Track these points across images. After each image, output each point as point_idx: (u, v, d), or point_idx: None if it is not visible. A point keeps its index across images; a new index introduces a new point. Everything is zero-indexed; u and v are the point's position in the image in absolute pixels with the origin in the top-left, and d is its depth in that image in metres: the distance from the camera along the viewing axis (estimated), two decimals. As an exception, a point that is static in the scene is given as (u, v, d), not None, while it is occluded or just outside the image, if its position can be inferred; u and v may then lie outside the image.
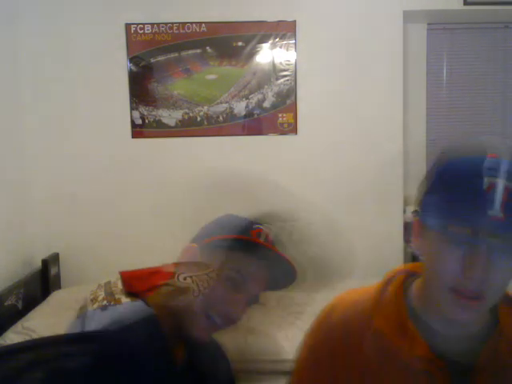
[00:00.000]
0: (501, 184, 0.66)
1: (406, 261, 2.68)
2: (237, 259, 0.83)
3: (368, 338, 0.79)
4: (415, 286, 0.82)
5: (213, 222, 0.91)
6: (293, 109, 2.73)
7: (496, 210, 0.65)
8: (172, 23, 2.66)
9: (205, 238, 0.88)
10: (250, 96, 2.72)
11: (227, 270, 0.83)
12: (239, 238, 0.84)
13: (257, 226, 0.87)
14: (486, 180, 0.66)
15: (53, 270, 2.55)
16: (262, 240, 0.85)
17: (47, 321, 2.03)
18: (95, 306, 2.08)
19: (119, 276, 2.02)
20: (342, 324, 0.84)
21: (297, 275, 0.89)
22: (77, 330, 0.85)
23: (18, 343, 0.79)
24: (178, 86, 2.71)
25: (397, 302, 0.81)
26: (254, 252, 0.84)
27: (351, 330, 0.82)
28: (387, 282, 0.85)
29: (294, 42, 2.69)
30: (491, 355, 0.74)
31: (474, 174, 0.68)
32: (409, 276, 0.84)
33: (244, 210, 0.91)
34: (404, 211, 2.80)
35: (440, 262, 0.71)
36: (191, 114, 2.72)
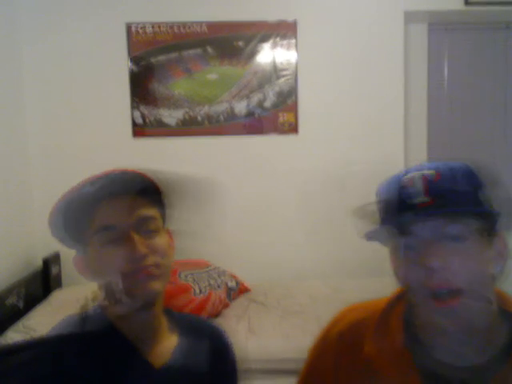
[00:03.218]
0: (417, 174, 0.70)
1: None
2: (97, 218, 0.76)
3: (360, 362, 0.76)
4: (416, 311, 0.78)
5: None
6: (293, 108, 2.73)
7: (421, 196, 0.67)
8: (173, 23, 2.66)
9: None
10: (251, 95, 2.72)
11: (95, 235, 0.76)
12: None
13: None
14: (404, 177, 0.70)
15: (54, 270, 2.55)
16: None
17: (48, 320, 2.03)
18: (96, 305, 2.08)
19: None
20: (337, 343, 0.81)
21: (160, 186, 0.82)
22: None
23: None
24: (178, 86, 2.71)
25: (394, 329, 0.76)
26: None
27: (345, 351, 0.79)
28: (391, 305, 0.81)
29: (294, 41, 2.69)
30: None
31: (392, 181, 0.73)
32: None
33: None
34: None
35: (405, 274, 0.70)
36: (192, 114, 2.72)
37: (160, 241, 0.79)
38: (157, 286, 0.76)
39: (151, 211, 0.80)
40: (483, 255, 0.68)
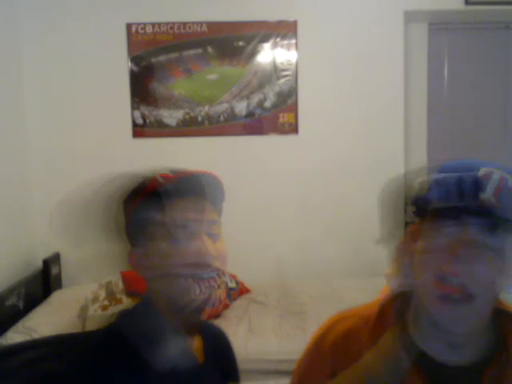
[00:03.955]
0: (497, 173, 0.67)
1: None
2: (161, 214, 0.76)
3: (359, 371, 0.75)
4: (410, 311, 0.77)
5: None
6: (294, 109, 2.73)
7: (488, 194, 0.65)
8: (173, 23, 2.66)
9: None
10: (251, 96, 2.72)
11: (164, 231, 0.76)
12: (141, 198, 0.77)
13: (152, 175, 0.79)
14: (482, 169, 0.68)
15: (54, 270, 2.55)
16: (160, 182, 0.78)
17: (48, 320, 2.03)
18: (96, 305, 2.09)
19: (120, 276, 2.02)
20: (332, 352, 0.80)
21: (219, 181, 0.84)
22: None
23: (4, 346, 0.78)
24: (178, 86, 2.71)
25: (392, 335, 0.75)
26: (164, 197, 0.75)
27: (342, 359, 0.78)
28: (385, 309, 0.80)
29: (294, 41, 2.69)
30: (495, 381, 0.69)
31: (467, 167, 0.70)
32: (403, 299, 0.79)
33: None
34: (405, 211, 2.80)
35: (429, 253, 0.69)
36: (192, 114, 2.72)
37: (222, 246, 0.81)
38: (216, 293, 0.77)
39: (217, 216, 0.83)
40: (500, 264, 0.68)
